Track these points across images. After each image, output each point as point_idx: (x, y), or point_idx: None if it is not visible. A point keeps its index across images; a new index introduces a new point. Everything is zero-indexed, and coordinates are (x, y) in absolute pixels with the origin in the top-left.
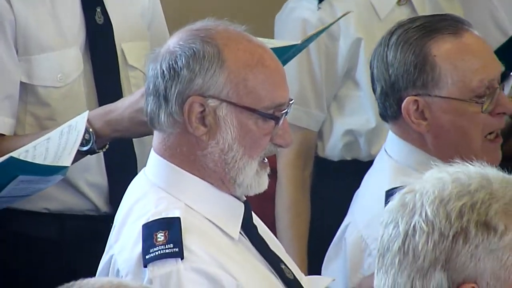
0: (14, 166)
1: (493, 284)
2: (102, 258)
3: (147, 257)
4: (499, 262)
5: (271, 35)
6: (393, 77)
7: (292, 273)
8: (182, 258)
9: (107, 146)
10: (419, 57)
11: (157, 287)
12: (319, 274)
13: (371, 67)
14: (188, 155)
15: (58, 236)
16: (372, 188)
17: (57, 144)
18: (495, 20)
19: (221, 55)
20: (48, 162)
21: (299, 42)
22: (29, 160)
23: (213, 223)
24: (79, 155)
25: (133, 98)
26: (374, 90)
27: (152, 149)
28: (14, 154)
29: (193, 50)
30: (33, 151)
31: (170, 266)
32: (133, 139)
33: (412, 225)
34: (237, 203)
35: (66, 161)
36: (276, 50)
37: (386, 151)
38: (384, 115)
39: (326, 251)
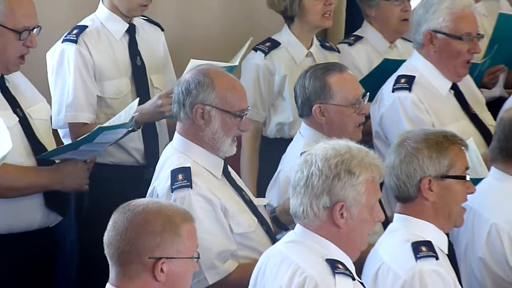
0: (101, 130)
1: (353, 203)
2: (149, 188)
3: (173, 187)
4: (356, 191)
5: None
6: (307, 94)
7: (249, 196)
8: (191, 188)
9: (141, 127)
10: (321, 83)
11: (178, 203)
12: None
13: (295, 89)
14: (194, 135)
15: (116, 176)
16: (293, 151)
17: (123, 116)
18: None
19: (212, 83)
20: (118, 122)
21: (236, 64)
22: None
23: (208, 170)
24: (127, 132)
25: (153, 100)
26: (296, 102)
27: (176, 131)
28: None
29: (198, 79)
30: (111, 123)
31: (184, 192)
32: (155, 122)
33: (310, 171)
34: (220, 160)
35: (127, 121)
36: (227, 68)
37: (300, 133)
38: (301, 115)
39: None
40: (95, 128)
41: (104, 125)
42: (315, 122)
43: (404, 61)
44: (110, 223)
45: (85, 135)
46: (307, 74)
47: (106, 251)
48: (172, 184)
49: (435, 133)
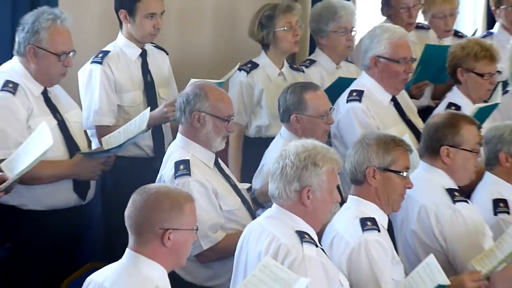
0: (131, 141)
1: (317, 188)
2: (157, 176)
3: (176, 175)
4: (320, 179)
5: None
6: (287, 105)
7: (234, 182)
8: (190, 176)
9: (151, 128)
10: (299, 98)
11: (180, 187)
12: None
13: (278, 100)
14: (192, 134)
15: (132, 166)
16: (274, 148)
17: (137, 120)
18: None
19: (207, 95)
20: (136, 131)
21: (223, 80)
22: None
23: (203, 162)
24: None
25: (160, 108)
26: (279, 110)
27: (178, 132)
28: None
29: (195, 92)
30: (128, 126)
31: (185, 178)
32: (162, 125)
33: (285, 163)
34: (212, 154)
35: (143, 127)
36: (218, 83)
37: (280, 134)
38: (282, 120)
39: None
40: (126, 140)
41: (128, 137)
42: (292, 127)
43: (353, 79)
44: (130, 201)
45: (119, 145)
46: (289, 89)
47: (126, 223)
48: (175, 172)
49: (386, 135)
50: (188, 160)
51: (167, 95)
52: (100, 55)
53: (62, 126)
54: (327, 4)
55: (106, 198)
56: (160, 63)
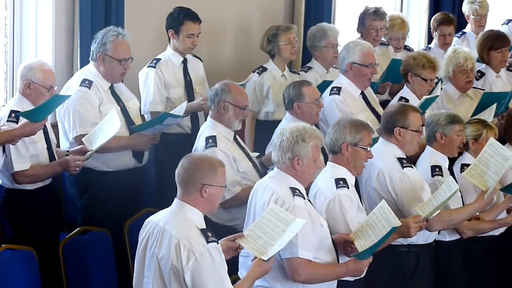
0: (166, 115)
1: (304, 157)
2: (193, 147)
3: (206, 146)
4: (307, 151)
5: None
6: (290, 96)
7: (248, 152)
8: (216, 147)
9: (190, 114)
10: (299, 91)
11: (209, 154)
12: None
13: (283, 94)
14: (218, 118)
15: (177, 139)
16: (281, 126)
17: (178, 109)
18: None
19: (230, 90)
20: (175, 112)
21: (244, 82)
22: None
23: (225, 137)
24: (181, 117)
25: (198, 100)
26: (283, 101)
27: (208, 116)
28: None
29: (222, 88)
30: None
31: (213, 149)
32: (197, 112)
33: (282, 138)
34: (232, 132)
35: (180, 113)
36: (241, 84)
37: (286, 119)
38: (287, 108)
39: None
40: (163, 113)
41: (167, 112)
42: (294, 113)
43: (331, 81)
44: (180, 163)
45: (156, 118)
46: (290, 86)
47: (176, 179)
48: (206, 144)
49: (357, 120)
50: (215, 135)
51: (202, 91)
52: (154, 61)
53: (124, 111)
54: (319, 27)
55: (158, 162)
56: (196, 68)
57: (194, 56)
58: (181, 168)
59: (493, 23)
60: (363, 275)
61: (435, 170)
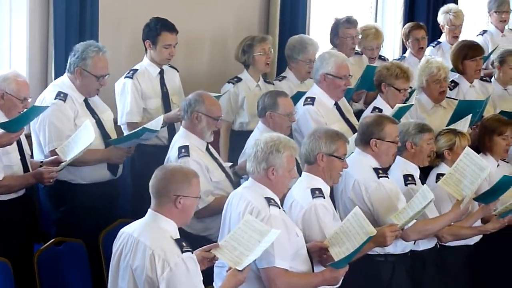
0: (144, 130)
1: (279, 168)
2: (166, 157)
3: (178, 156)
4: (281, 161)
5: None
6: (264, 105)
7: (221, 162)
8: (189, 156)
9: (167, 125)
10: (274, 100)
11: (182, 164)
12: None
13: (258, 102)
14: (192, 128)
15: (154, 151)
16: (253, 137)
17: (153, 123)
18: None
19: (204, 101)
20: (152, 127)
21: (219, 94)
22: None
23: (198, 147)
24: (161, 127)
25: (174, 111)
26: (257, 108)
27: (181, 126)
28: (145, 126)
29: (195, 98)
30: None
31: (186, 159)
32: (174, 123)
33: (257, 149)
34: (204, 142)
35: (157, 127)
36: (216, 96)
37: (258, 128)
38: (260, 116)
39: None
40: (141, 128)
41: (146, 126)
42: (266, 122)
43: (305, 92)
44: (154, 174)
45: (135, 132)
46: (267, 94)
47: (150, 190)
48: (178, 154)
49: (332, 130)
50: (188, 145)
51: (178, 102)
52: (131, 72)
53: (99, 124)
54: (300, 38)
55: (135, 173)
56: (173, 78)
57: (171, 66)
58: (155, 179)
59: (468, 33)
60: (339, 284)
61: (408, 179)
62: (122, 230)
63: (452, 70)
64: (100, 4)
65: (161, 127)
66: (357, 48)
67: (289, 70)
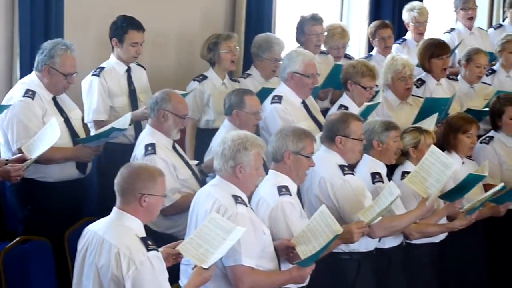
0: (113, 130)
1: (246, 166)
2: (132, 155)
3: (145, 154)
4: (249, 159)
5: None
6: (231, 103)
7: (187, 160)
8: (156, 154)
9: (133, 123)
10: (241, 98)
11: (148, 162)
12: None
13: (225, 100)
14: (159, 126)
15: (120, 149)
16: (219, 135)
17: (121, 120)
18: None
19: (170, 99)
20: (121, 126)
21: (186, 92)
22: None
23: (165, 146)
24: (128, 126)
25: (141, 109)
26: (224, 106)
27: (147, 123)
28: (113, 124)
29: (162, 96)
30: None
31: (152, 156)
32: (140, 121)
33: (224, 146)
34: (170, 140)
35: (125, 126)
36: (182, 94)
37: (224, 126)
38: (226, 114)
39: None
40: (110, 128)
41: (114, 126)
42: (232, 120)
43: (272, 89)
44: (119, 173)
45: (103, 131)
46: (234, 92)
47: (115, 188)
48: (145, 152)
49: (299, 128)
50: (154, 143)
51: (145, 100)
52: (98, 70)
53: (67, 122)
54: (266, 37)
55: (101, 171)
56: (140, 76)
57: (138, 64)
58: (120, 178)
59: (436, 31)
60: (306, 282)
61: (376, 177)
62: (87, 228)
63: (417, 66)
64: (65, 2)
65: (125, 130)
66: (323, 47)
67: (254, 68)
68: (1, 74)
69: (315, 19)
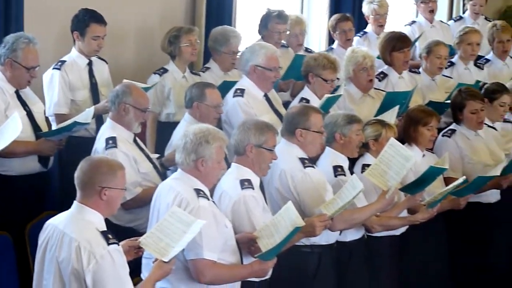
0: (75, 124)
1: (208, 159)
2: (93, 149)
3: (106, 147)
4: (211, 152)
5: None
6: (192, 95)
7: (148, 153)
8: (116, 148)
9: (95, 116)
10: (202, 91)
11: (109, 157)
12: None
13: (186, 92)
14: (119, 119)
15: (81, 142)
16: (179, 129)
17: (84, 114)
18: None
19: (131, 92)
20: (83, 120)
21: (149, 85)
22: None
23: (125, 139)
24: (87, 124)
25: (102, 102)
26: (185, 99)
27: (108, 117)
28: (76, 118)
29: (123, 89)
30: (79, 118)
31: (113, 150)
32: (102, 115)
33: (186, 140)
34: (131, 134)
35: (87, 120)
36: (144, 88)
37: (184, 119)
38: (187, 106)
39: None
40: (72, 122)
41: (77, 120)
42: (193, 113)
43: (234, 82)
44: (79, 166)
45: (65, 125)
46: (195, 85)
47: (75, 182)
48: (106, 145)
49: (262, 122)
50: (115, 137)
51: (107, 93)
52: (59, 63)
53: (30, 116)
54: (223, 30)
55: (62, 165)
56: (101, 70)
57: (99, 58)
58: (80, 171)
59: (395, 24)
60: (268, 276)
61: (338, 170)
62: (47, 222)
63: (378, 58)
64: None
65: (88, 124)
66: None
67: (213, 61)
68: None
69: (280, 18)
